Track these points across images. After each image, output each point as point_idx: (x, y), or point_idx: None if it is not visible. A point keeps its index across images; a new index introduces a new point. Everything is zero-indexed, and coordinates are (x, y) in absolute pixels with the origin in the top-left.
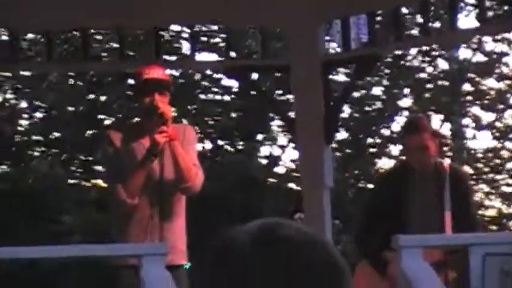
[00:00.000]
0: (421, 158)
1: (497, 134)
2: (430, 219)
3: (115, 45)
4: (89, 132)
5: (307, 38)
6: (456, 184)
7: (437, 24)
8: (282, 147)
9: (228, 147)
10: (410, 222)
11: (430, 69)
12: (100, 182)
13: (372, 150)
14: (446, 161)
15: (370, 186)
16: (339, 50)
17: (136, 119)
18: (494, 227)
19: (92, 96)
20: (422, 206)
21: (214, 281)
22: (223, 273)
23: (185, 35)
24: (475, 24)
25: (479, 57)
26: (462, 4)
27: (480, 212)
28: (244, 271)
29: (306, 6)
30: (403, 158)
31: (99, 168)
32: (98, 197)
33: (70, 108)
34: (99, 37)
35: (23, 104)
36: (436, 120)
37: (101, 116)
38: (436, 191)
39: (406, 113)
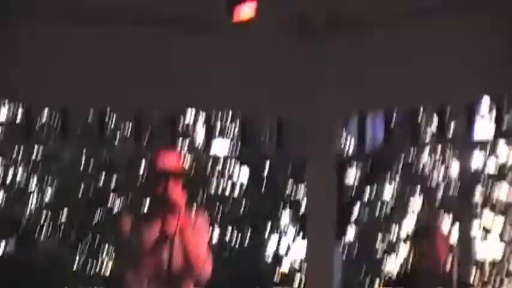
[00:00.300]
0: (431, 262)
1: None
2: None
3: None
4: (99, 215)
5: (324, 133)
6: None
7: (451, 130)
8: (290, 241)
9: (238, 237)
10: None
11: (442, 172)
12: (109, 266)
13: (380, 249)
14: (455, 266)
15: (377, 284)
16: (354, 147)
17: (148, 205)
18: None
19: (104, 178)
20: None
21: None
22: None
23: (201, 121)
24: (491, 132)
25: (492, 165)
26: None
27: None
28: None
29: (324, 101)
30: (413, 260)
31: (109, 251)
32: (107, 282)
33: (81, 190)
34: (114, 120)
35: (34, 184)
36: (446, 225)
37: (112, 200)
38: None
39: (416, 215)
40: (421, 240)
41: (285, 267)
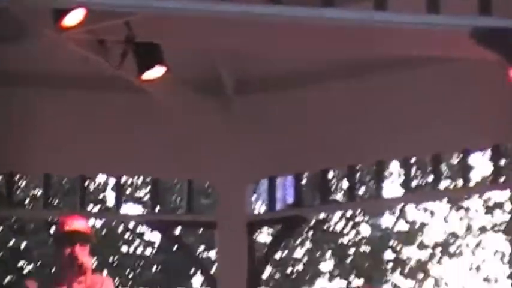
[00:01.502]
0: None
1: None
2: None
3: (39, 192)
4: (8, 277)
5: (234, 196)
6: None
7: (362, 190)
8: None
9: None
10: None
11: (352, 234)
12: None
13: None
14: None
15: None
16: (264, 209)
17: (55, 267)
18: None
19: (13, 241)
20: None
21: None
22: None
23: (110, 186)
24: (400, 192)
25: (402, 225)
26: (388, 172)
27: None
28: None
29: (235, 165)
30: None
31: None
32: None
33: None
34: (23, 183)
35: None
36: (357, 286)
37: (21, 263)
38: None
39: (327, 275)
40: None
41: None
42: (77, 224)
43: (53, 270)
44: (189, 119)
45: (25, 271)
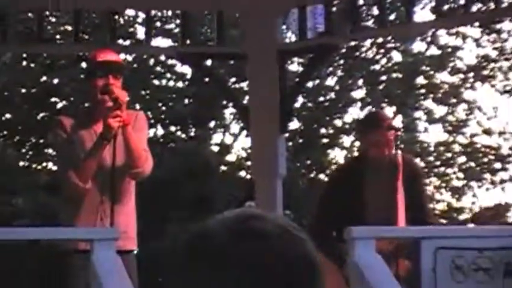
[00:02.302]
0: (380, 153)
1: (449, 128)
2: (385, 210)
3: (70, 28)
4: (41, 114)
5: (264, 26)
6: (410, 175)
7: (393, 16)
8: (234, 135)
9: (181, 134)
10: (365, 214)
11: (384, 61)
12: (51, 165)
13: (324, 140)
14: (400, 153)
15: (322, 176)
16: (294, 39)
17: (88, 103)
18: (444, 221)
19: (44, 78)
20: (377, 198)
21: (193, 271)
22: (202, 264)
23: (140, 20)
24: (431, 17)
25: (434, 51)
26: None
27: (431, 205)
28: (223, 262)
29: None
30: (359, 150)
31: (50, 151)
32: (49, 180)
33: (22, 90)
34: (54, 19)
35: None
36: (389, 113)
37: (53, 99)
38: (391, 182)
39: (359, 104)
40: (368, 129)
41: (231, 157)
42: (109, 55)
43: (86, 105)
44: None
45: (58, 106)
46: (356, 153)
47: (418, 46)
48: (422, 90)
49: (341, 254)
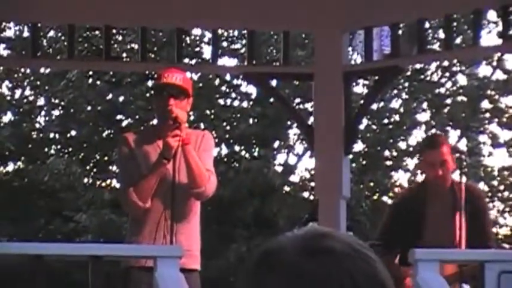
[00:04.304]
0: (439, 173)
1: None
2: (445, 234)
3: (136, 46)
4: (106, 132)
5: (331, 47)
6: (472, 201)
7: (459, 40)
8: (298, 155)
9: (245, 154)
10: (426, 238)
11: (449, 84)
12: (114, 182)
13: (388, 163)
14: (463, 179)
15: (385, 198)
16: (360, 60)
17: (152, 122)
18: (507, 245)
19: (110, 96)
20: (438, 222)
21: (264, 287)
22: (274, 280)
23: (207, 39)
24: (497, 41)
25: (499, 75)
26: (485, 21)
27: (494, 229)
28: (293, 278)
29: (331, 15)
30: (421, 174)
31: (114, 168)
32: (112, 197)
33: (88, 108)
34: (120, 37)
35: (41, 101)
36: (453, 136)
37: (118, 117)
38: (452, 207)
39: (423, 127)
40: (428, 151)
41: (295, 178)
42: (174, 76)
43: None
44: None
45: (123, 124)
46: (420, 179)
47: (483, 70)
48: (487, 114)
49: (402, 277)
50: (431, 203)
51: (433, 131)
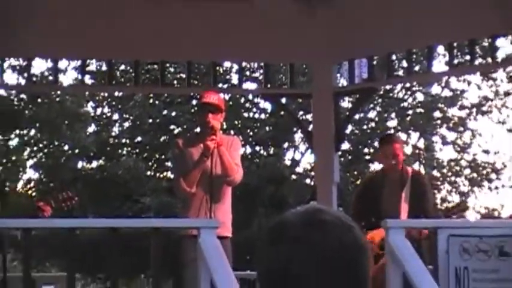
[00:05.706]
0: (392, 163)
1: (458, 149)
2: (394, 211)
3: (184, 75)
4: (163, 138)
5: (324, 74)
6: (416, 183)
7: (417, 68)
8: (302, 153)
9: (263, 152)
10: (382, 209)
11: (410, 100)
12: (169, 174)
13: (367, 157)
14: (411, 167)
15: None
16: (346, 83)
17: (196, 130)
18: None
19: (165, 112)
20: (389, 201)
21: (274, 251)
22: (281, 246)
23: (234, 70)
24: (445, 68)
25: (447, 92)
26: (436, 54)
27: (445, 204)
28: (296, 244)
29: (324, 52)
30: (378, 163)
31: (169, 164)
32: (168, 185)
33: (149, 120)
34: (172, 69)
35: (116, 116)
36: (414, 137)
37: (172, 127)
38: (400, 188)
39: (392, 131)
40: (383, 146)
41: (299, 169)
42: (211, 97)
43: (195, 131)
44: (287, 21)
45: (175, 132)
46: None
47: (435, 89)
48: (439, 121)
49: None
50: (386, 184)
51: (399, 133)
